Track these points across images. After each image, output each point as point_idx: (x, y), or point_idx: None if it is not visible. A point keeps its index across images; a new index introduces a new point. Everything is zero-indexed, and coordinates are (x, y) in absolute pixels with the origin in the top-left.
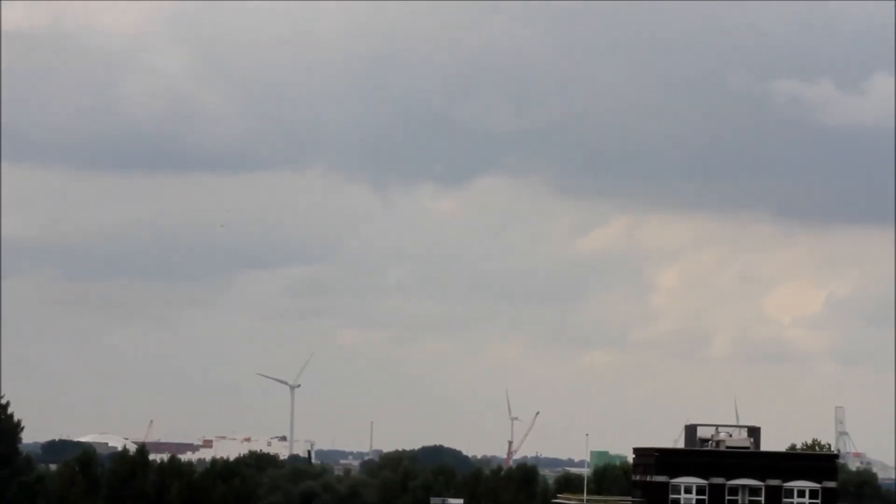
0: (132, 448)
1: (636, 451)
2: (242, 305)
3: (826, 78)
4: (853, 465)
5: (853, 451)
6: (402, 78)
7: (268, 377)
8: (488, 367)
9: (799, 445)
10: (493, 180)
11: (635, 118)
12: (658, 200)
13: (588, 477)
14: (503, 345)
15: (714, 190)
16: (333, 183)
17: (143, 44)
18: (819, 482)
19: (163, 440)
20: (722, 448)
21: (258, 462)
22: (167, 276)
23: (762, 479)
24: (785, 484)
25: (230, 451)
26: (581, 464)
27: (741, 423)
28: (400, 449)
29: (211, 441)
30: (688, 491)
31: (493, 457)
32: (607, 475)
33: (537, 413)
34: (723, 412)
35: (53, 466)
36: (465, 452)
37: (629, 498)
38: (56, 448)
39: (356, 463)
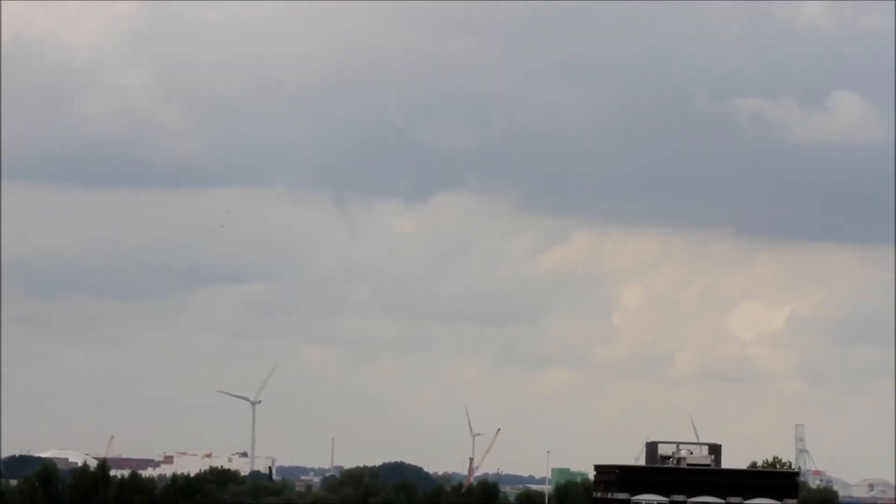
0: (93, 464)
1: (597, 468)
2: (202, 322)
3: (788, 95)
4: (813, 483)
5: (813, 468)
6: (362, 96)
7: (228, 394)
8: (449, 385)
9: (760, 463)
10: (454, 198)
11: (597, 137)
12: (619, 219)
13: (549, 494)
14: (464, 362)
15: (676, 208)
16: (294, 200)
17: (104, 60)
18: (780, 499)
19: (124, 456)
20: (683, 465)
21: (219, 478)
22: (127, 292)
23: (723, 497)
24: (746, 501)
25: (191, 467)
26: (542, 481)
27: (702, 441)
28: (361, 465)
29: (172, 457)
30: None
31: (455, 473)
32: (569, 492)
33: (498, 430)
34: (684, 430)
35: (14, 482)
36: (426, 469)
37: None
38: (16, 463)
39: (317, 479)
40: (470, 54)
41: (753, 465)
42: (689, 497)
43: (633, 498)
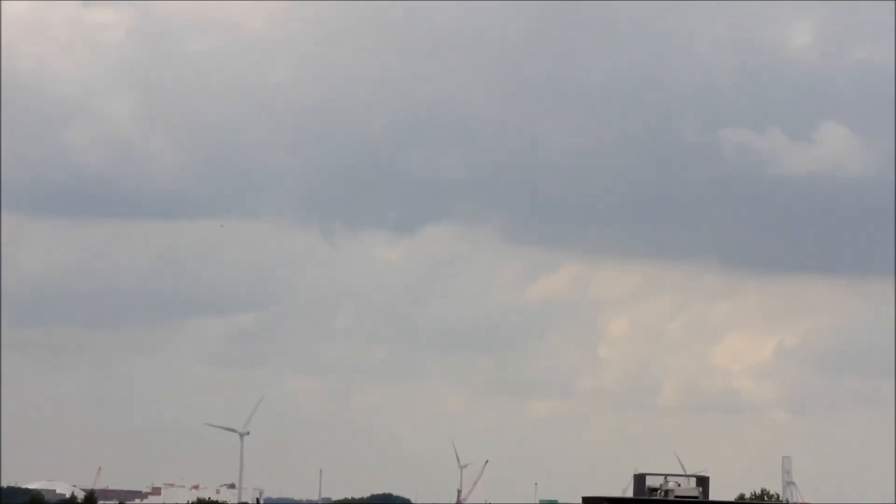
0: (80, 495)
1: (585, 500)
2: (189, 352)
3: (775, 127)
4: None
5: (800, 500)
6: (348, 125)
7: (216, 426)
8: (437, 414)
9: (748, 495)
10: (441, 228)
11: (584, 166)
12: (607, 249)
13: None
14: (451, 391)
15: (663, 238)
16: (280, 229)
17: (89, 89)
18: None
19: (111, 487)
20: (671, 497)
21: None
22: (112, 322)
23: None
24: None
25: (179, 498)
26: None
27: (689, 473)
28: (349, 497)
29: (160, 488)
30: None
31: None
32: None
33: (486, 461)
34: (671, 461)
35: None
36: (413, 500)
37: None
38: (4, 495)
39: None
40: (456, 83)
41: (741, 497)
42: None
43: None
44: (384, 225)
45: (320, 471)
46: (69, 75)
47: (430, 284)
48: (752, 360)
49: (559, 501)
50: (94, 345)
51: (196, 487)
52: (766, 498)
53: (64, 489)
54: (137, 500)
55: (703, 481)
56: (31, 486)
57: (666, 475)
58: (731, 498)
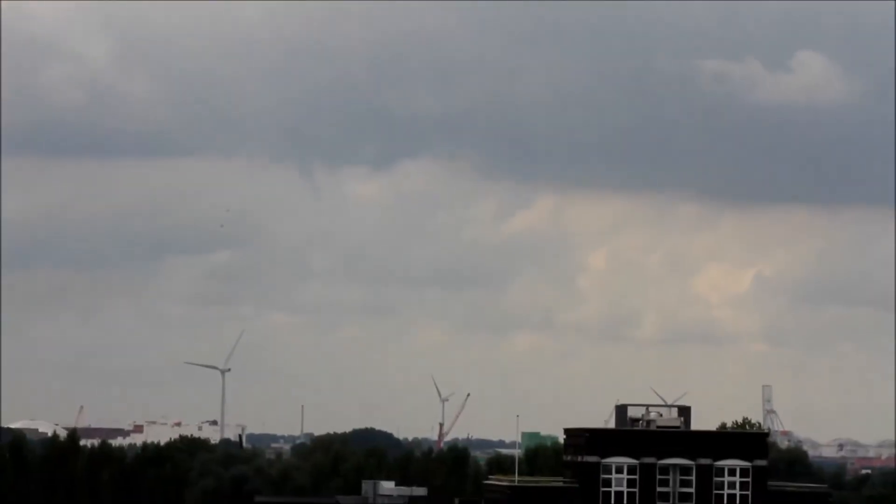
0: (63, 434)
1: (567, 431)
2: (169, 292)
3: (752, 56)
4: (782, 444)
5: (781, 429)
6: (325, 63)
7: (196, 364)
8: (417, 350)
9: (729, 424)
10: (418, 164)
11: (560, 101)
12: (584, 182)
13: (519, 458)
14: (431, 327)
15: (640, 171)
16: (258, 168)
17: (67, 31)
18: (750, 460)
19: (93, 426)
20: (653, 428)
21: (189, 446)
22: (92, 263)
23: (693, 459)
24: (716, 462)
25: (161, 435)
26: (512, 445)
27: (670, 403)
28: (331, 432)
29: (142, 426)
30: (619, 471)
31: (425, 439)
32: (539, 456)
33: (468, 395)
34: (652, 393)
35: None
36: (396, 435)
37: (560, 478)
38: None
39: (287, 446)
40: (434, 22)
41: (723, 426)
42: (659, 459)
43: (603, 460)
44: (361, 162)
45: (302, 407)
46: (45, 16)
47: (407, 221)
48: (730, 291)
49: (541, 433)
50: (73, 285)
51: (178, 424)
52: (747, 427)
53: (46, 428)
54: (120, 438)
55: (684, 411)
56: (12, 426)
57: (648, 406)
58: (713, 427)
